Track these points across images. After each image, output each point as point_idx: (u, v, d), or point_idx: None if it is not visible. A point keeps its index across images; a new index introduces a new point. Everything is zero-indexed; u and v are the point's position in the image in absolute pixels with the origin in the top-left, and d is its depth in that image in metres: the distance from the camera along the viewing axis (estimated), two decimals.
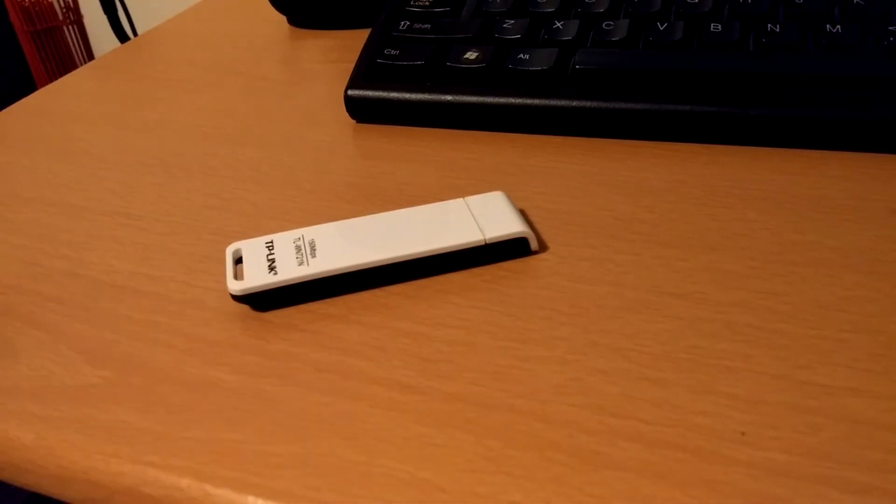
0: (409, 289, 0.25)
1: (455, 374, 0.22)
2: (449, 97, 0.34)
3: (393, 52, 0.36)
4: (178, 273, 0.27)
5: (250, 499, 0.19)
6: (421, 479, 0.19)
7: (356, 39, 0.45)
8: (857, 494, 0.18)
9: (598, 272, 0.25)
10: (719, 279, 0.25)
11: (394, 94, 0.35)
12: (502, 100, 0.33)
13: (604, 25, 0.35)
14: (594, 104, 0.32)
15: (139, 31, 1.81)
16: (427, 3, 0.38)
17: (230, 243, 0.28)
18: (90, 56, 1.99)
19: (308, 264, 0.25)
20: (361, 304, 0.25)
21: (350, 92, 0.35)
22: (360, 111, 0.36)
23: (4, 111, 0.41)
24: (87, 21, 1.98)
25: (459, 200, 0.27)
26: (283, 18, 0.49)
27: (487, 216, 0.26)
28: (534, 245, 0.26)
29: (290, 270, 0.25)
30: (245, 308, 0.25)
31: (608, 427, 0.20)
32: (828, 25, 0.32)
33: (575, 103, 0.33)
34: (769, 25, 0.33)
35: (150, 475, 0.20)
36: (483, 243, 0.26)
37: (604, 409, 0.20)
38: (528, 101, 0.33)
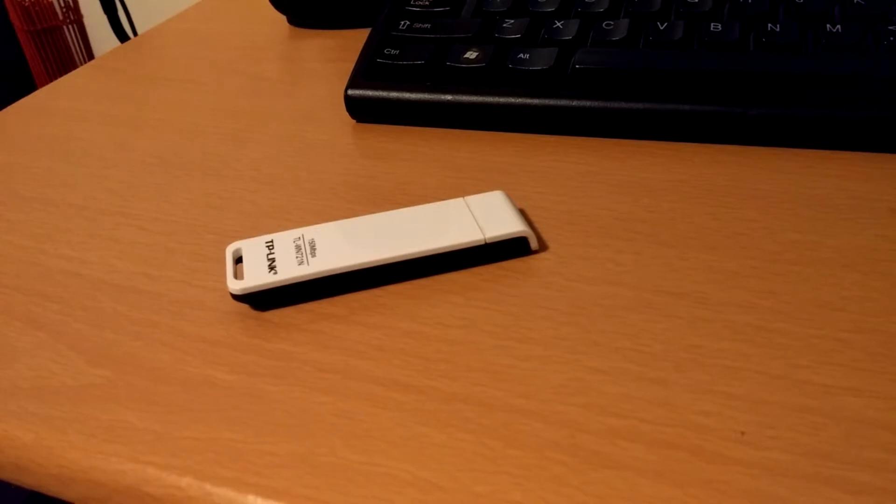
0: (409, 288, 0.25)
1: (455, 374, 0.22)
2: (449, 97, 0.34)
3: (393, 51, 0.36)
4: (178, 273, 0.27)
5: (250, 498, 0.19)
6: (421, 478, 0.19)
7: (356, 39, 0.45)
8: (856, 494, 0.18)
9: (598, 271, 0.25)
10: (719, 279, 0.25)
11: (394, 94, 0.35)
12: (502, 99, 0.33)
13: (604, 25, 0.35)
14: (594, 104, 0.32)
15: (139, 31, 1.81)
16: (427, 3, 0.38)
17: (230, 243, 0.28)
18: (90, 55, 1.99)
19: (308, 264, 0.25)
20: (361, 304, 0.25)
21: (350, 91, 0.35)
22: (360, 110, 0.36)
23: (4, 111, 0.41)
24: (86, 20, 1.98)
25: (459, 200, 0.27)
26: (283, 18, 0.49)
27: (487, 216, 0.26)
28: (534, 244, 0.26)
29: (290, 270, 0.25)
30: (245, 308, 0.25)
31: (608, 427, 0.20)
32: (828, 25, 0.32)
33: (575, 103, 0.33)
34: (769, 25, 0.33)
35: (150, 474, 0.20)
36: (483, 243, 0.26)
37: (604, 409, 0.20)
38: (528, 101, 0.33)
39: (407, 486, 0.19)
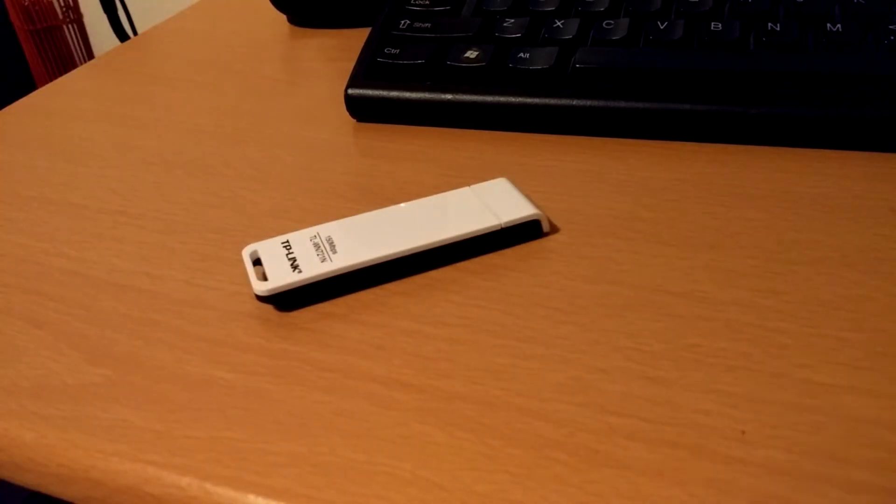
0: (409, 287, 0.25)
1: (455, 373, 0.22)
2: (449, 96, 0.34)
3: (393, 50, 0.36)
4: (179, 272, 0.27)
5: (250, 497, 0.19)
6: (421, 477, 0.19)
7: (356, 38, 0.45)
8: (856, 493, 0.18)
9: (599, 270, 0.25)
10: (719, 278, 0.25)
11: (394, 93, 0.35)
12: (502, 99, 0.33)
13: (604, 24, 0.35)
14: (594, 103, 0.32)
15: (139, 30, 1.80)
16: (427, 2, 0.38)
17: (230, 242, 0.28)
18: (90, 55, 1.99)
19: (331, 260, 0.25)
20: (362, 303, 0.25)
21: (350, 91, 0.35)
22: (361, 110, 0.36)
23: (4, 110, 0.41)
24: (86, 20, 1.98)
25: (465, 189, 0.28)
26: (284, 17, 0.49)
27: (497, 202, 0.27)
28: (546, 227, 0.27)
29: (314, 267, 0.25)
30: (245, 307, 0.25)
31: (608, 425, 0.20)
32: (828, 24, 0.32)
33: (575, 102, 0.33)
34: (769, 24, 0.33)
35: (150, 474, 0.20)
36: (499, 228, 0.26)
37: (604, 408, 0.20)
38: (529, 100, 0.33)
39: (407, 484, 0.19)
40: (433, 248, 0.25)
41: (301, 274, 0.25)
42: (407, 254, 0.25)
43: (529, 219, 0.26)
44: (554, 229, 0.27)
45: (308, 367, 0.23)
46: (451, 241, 0.26)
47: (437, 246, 0.25)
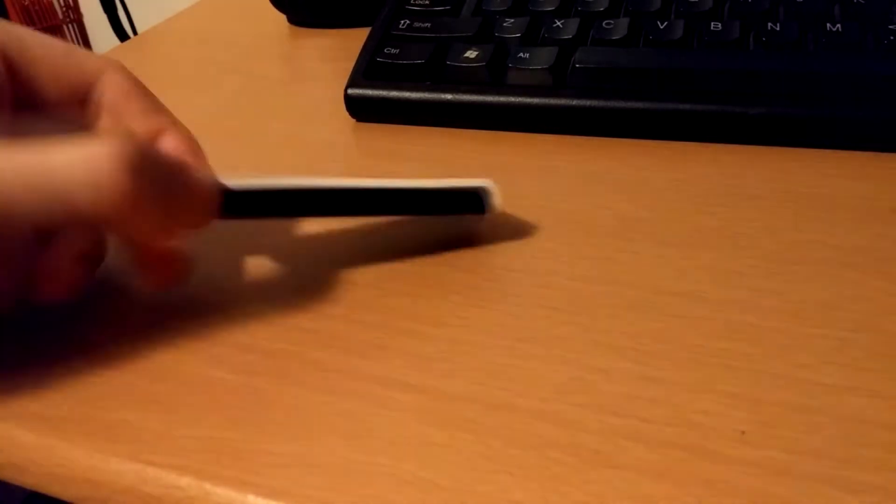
0: (409, 287, 0.25)
1: (455, 373, 0.22)
2: (449, 96, 0.34)
3: (393, 50, 0.36)
4: None
5: (250, 497, 0.19)
6: (421, 477, 0.19)
7: (356, 38, 0.45)
8: (857, 493, 0.18)
9: (599, 271, 0.25)
10: (719, 278, 0.25)
11: (394, 93, 0.35)
12: (502, 99, 0.33)
13: (604, 24, 0.35)
14: (594, 103, 0.32)
15: (139, 30, 1.80)
16: (427, 2, 0.38)
17: (230, 242, 0.28)
18: None
19: (280, 182, 0.25)
20: (362, 303, 0.25)
21: (350, 91, 0.35)
22: (360, 110, 0.36)
23: None
24: (86, 20, 1.98)
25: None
26: (283, 17, 0.49)
27: (458, 182, 0.27)
28: (497, 201, 0.27)
29: (264, 183, 0.25)
30: (245, 307, 0.25)
31: (608, 426, 0.20)
32: (828, 24, 0.32)
33: (575, 102, 0.33)
34: (769, 24, 0.33)
35: (150, 474, 0.20)
36: (443, 189, 0.26)
37: (604, 408, 0.20)
38: (528, 100, 0.33)
39: (407, 485, 0.19)
40: (378, 189, 0.26)
41: (258, 183, 0.24)
42: (350, 188, 0.25)
43: (474, 188, 0.26)
44: (553, 229, 0.27)
45: (308, 367, 0.23)
46: (392, 188, 0.26)
47: (380, 188, 0.26)
